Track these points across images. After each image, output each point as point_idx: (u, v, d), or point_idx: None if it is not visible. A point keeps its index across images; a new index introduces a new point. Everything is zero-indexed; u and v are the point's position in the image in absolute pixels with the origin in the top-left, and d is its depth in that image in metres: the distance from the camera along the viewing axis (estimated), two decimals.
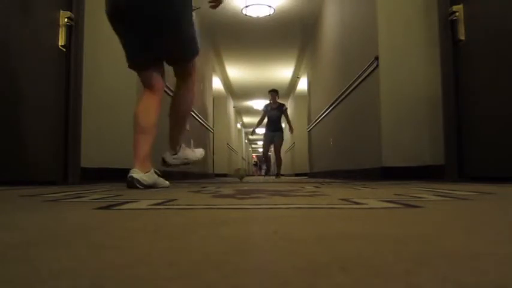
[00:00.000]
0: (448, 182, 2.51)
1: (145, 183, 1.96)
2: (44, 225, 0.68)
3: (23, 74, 2.46)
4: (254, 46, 8.60)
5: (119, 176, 2.42)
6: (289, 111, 8.63)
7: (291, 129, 8.32)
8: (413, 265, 0.36)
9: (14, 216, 0.83)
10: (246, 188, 2.08)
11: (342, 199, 1.14)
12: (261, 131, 8.59)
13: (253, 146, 31.37)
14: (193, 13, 2.19)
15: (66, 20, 2.67)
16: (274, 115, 7.95)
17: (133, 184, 1.92)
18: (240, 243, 0.49)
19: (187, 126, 3.02)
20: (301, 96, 10.93)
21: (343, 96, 4.74)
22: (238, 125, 17.93)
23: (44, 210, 0.97)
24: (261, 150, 10.18)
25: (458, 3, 2.68)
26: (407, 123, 3.19)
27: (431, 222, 0.71)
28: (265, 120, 8.14)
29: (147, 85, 2.21)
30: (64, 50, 2.69)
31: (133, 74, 2.30)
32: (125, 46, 2.15)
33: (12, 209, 1.01)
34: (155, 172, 2.11)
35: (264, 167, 10.55)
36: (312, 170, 8.18)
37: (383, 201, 1.05)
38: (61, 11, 2.66)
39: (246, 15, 6.72)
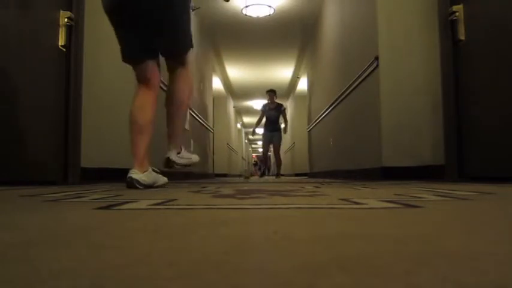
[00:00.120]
0: (448, 182, 2.51)
1: (144, 183, 1.97)
2: (44, 225, 0.68)
3: (23, 74, 2.46)
4: (254, 46, 8.60)
5: (119, 176, 2.41)
6: (289, 111, 8.65)
7: (285, 129, 8.34)
8: (413, 265, 0.36)
9: (14, 216, 0.83)
10: (246, 188, 2.08)
11: (342, 199, 1.14)
12: (261, 131, 8.61)
13: (253, 146, 31.37)
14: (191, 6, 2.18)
15: (66, 20, 2.67)
16: (273, 115, 7.96)
17: (132, 184, 1.93)
18: (240, 243, 0.49)
19: (187, 126, 3.01)
20: (301, 96, 10.92)
21: (343, 96, 4.74)
22: (238, 125, 17.92)
23: (44, 210, 0.97)
24: (261, 150, 10.18)
25: (458, 3, 2.68)
26: (407, 123, 3.19)
27: (431, 222, 0.71)
28: (264, 120, 8.16)
29: (143, 79, 2.18)
30: (64, 50, 2.68)
31: (133, 74, 2.30)
32: (121, 41, 2.13)
33: (12, 209, 1.01)
34: (153, 170, 2.11)
35: (263, 166, 10.52)
36: (312, 170, 8.18)
37: (383, 201, 1.05)
38: (61, 11, 2.66)
39: (246, 15, 6.71)
